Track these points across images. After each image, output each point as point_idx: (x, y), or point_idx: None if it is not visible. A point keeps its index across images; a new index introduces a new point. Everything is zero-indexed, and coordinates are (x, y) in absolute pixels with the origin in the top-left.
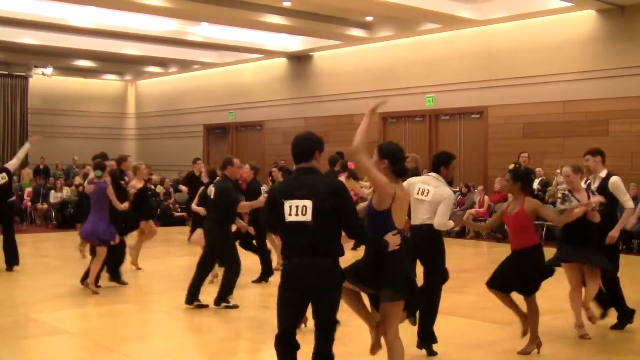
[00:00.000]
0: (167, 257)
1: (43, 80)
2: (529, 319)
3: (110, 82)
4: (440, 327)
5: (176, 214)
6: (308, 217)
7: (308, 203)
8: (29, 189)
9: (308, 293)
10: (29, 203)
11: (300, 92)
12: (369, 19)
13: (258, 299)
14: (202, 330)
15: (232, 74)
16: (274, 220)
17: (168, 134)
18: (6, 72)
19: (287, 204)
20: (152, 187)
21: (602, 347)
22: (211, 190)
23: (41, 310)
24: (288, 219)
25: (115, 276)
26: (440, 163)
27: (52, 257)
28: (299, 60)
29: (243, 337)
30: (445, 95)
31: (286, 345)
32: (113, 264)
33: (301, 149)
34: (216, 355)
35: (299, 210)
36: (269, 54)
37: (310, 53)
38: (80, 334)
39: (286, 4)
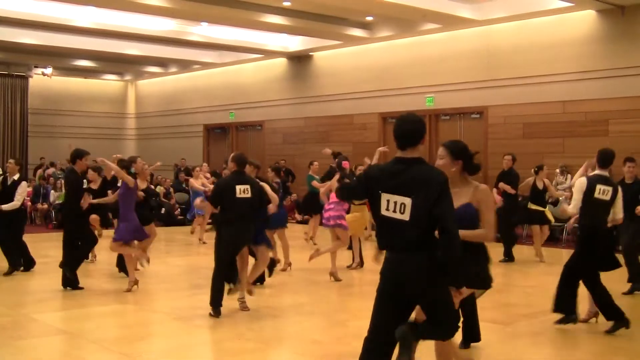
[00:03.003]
0: (167, 257)
1: (43, 80)
2: None
3: (110, 82)
4: None
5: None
6: (406, 215)
7: (407, 200)
8: (29, 189)
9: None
10: (29, 203)
11: (300, 92)
12: (369, 19)
13: (258, 299)
14: (202, 330)
15: (232, 74)
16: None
17: (168, 134)
18: (6, 72)
19: (384, 197)
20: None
21: (602, 347)
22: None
23: (41, 310)
24: (384, 212)
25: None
26: None
27: (52, 257)
28: (299, 60)
29: (244, 337)
30: (445, 95)
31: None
32: (74, 264)
33: (407, 131)
34: (216, 356)
35: (397, 207)
36: (269, 54)
37: (310, 53)
38: (80, 334)
39: (286, 4)
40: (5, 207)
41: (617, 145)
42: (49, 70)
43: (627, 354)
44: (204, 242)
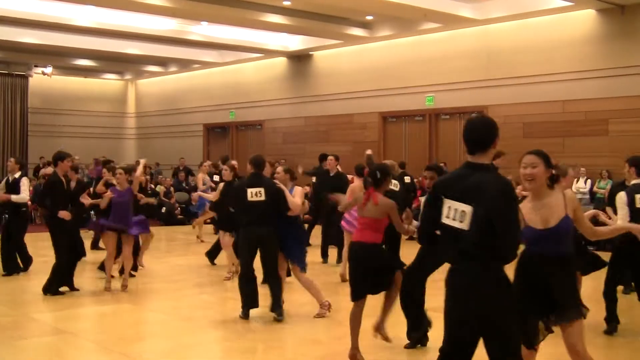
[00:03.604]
0: (167, 257)
1: (43, 79)
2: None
3: (110, 82)
4: (439, 326)
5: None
6: (465, 224)
7: (467, 208)
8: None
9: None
10: (29, 203)
11: (300, 92)
12: (369, 18)
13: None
14: (202, 330)
15: (232, 73)
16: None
17: (168, 134)
18: (6, 72)
19: (446, 203)
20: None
21: (604, 347)
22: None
23: (41, 310)
24: (444, 220)
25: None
26: None
27: (52, 257)
28: (299, 59)
29: (244, 337)
30: (445, 95)
31: None
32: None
33: (477, 135)
34: (216, 356)
35: (457, 214)
36: (269, 53)
37: (310, 52)
38: (80, 334)
39: (286, 4)
40: (14, 197)
41: (616, 145)
42: (49, 70)
43: (629, 352)
44: (202, 241)
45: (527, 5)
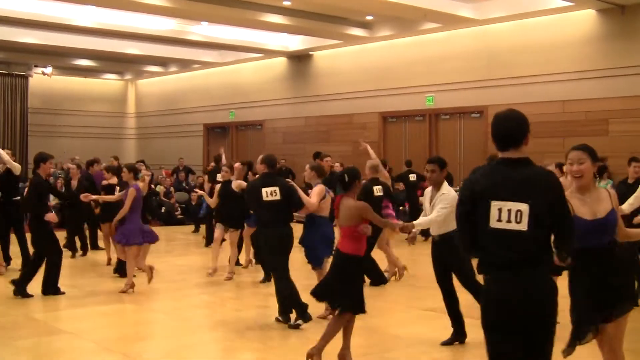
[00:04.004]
0: (167, 257)
1: (43, 79)
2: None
3: (110, 82)
4: (438, 326)
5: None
6: (523, 225)
7: (524, 207)
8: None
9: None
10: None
11: (300, 92)
12: (369, 18)
13: (258, 299)
14: (202, 330)
15: (232, 73)
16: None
17: (168, 134)
18: (6, 72)
19: (494, 206)
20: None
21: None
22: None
23: (41, 310)
24: (495, 225)
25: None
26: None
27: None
28: (299, 59)
29: (243, 337)
30: (445, 95)
31: None
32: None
33: (510, 130)
34: (216, 356)
35: (511, 215)
36: (269, 53)
37: (310, 52)
38: (80, 334)
39: (286, 4)
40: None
41: (617, 145)
42: (49, 70)
43: (630, 354)
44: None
45: (527, 6)
